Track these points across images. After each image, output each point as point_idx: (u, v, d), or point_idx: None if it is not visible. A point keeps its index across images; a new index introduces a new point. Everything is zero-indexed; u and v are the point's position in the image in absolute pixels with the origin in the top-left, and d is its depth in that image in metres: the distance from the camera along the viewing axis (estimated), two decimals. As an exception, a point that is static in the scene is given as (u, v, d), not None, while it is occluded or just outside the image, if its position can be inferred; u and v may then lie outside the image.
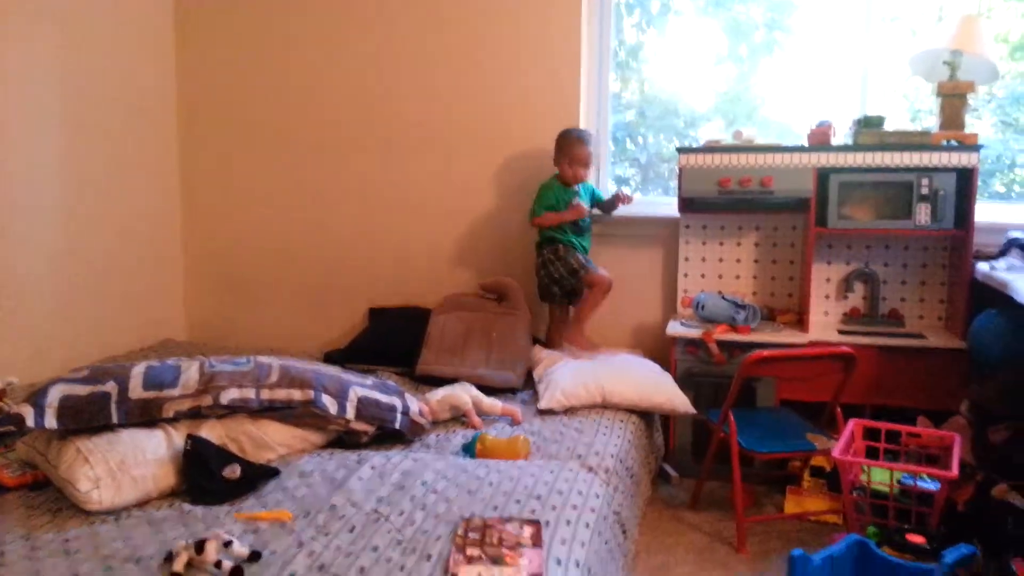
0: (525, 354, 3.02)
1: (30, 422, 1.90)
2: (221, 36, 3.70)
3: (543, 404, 2.64)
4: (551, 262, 3.09)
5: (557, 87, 3.33)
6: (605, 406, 2.68)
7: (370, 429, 2.31)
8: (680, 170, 3.03)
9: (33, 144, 2.99)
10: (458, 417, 2.57)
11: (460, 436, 2.43)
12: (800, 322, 3.05)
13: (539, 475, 2.04)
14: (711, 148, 3.02)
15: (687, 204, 3.13)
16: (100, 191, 3.30)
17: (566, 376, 2.75)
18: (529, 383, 2.93)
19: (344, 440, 2.32)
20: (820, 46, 3.32)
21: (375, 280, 3.63)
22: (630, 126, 3.60)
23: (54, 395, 1.96)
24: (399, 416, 2.35)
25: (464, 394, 2.57)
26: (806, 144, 2.96)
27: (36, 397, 1.96)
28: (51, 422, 1.92)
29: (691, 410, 2.75)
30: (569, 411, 2.65)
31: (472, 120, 3.43)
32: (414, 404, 2.45)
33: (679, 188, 3.05)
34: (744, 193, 2.98)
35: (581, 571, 1.66)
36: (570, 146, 3.08)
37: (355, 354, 3.22)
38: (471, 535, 1.72)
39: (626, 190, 3.28)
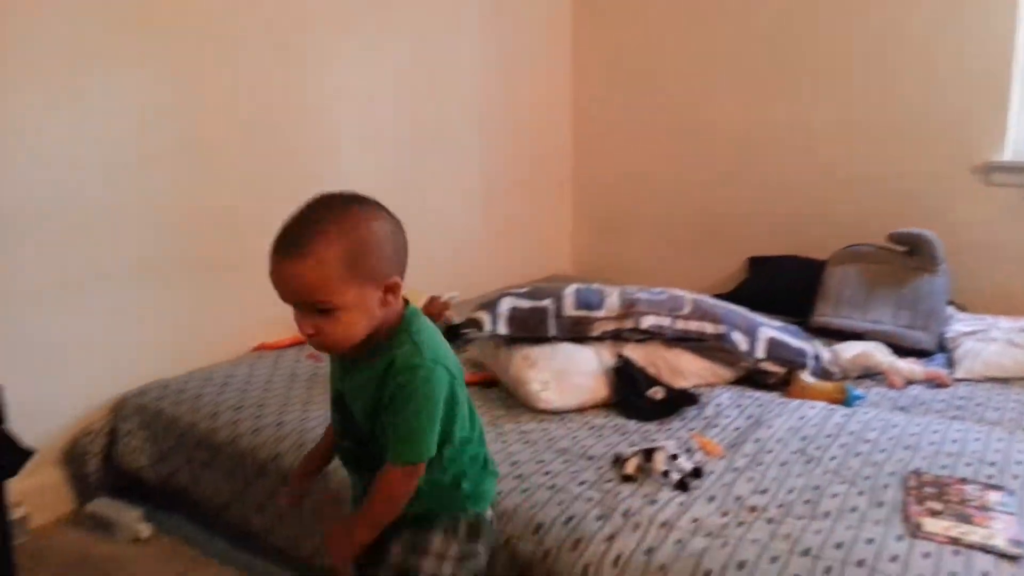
0: (940, 315, 2.70)
1: (487, 327, 2.17)
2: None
3: (960, 374, 2.38)
4: None
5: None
6: (1050, 380, 2.32)
7: (780, 371, 2.25)
8: None
9: (454, 96, 3.33)
10: (869, 375, 2.40)
11: (874, 393, 2.26)
12: None
13: (986, 441, 1.84)
14: None
15: None
16: (506, 140, 3.61)
17: (989, 343, 2.45)
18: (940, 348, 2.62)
19: (753, 379, 2.29)
20: None
21: (755, 228, 3.52)
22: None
23: (504, 306, 2.21)
24: (810, 361, 2.26)
25: (879, 354, 2.39)
26: None
27: (490, 307, 2.23)
28: (502, 328, 2.17)
29: None
30: (1003, 380, 2.34)
31: (877, 55, 3.13)
32: (825, 352, 2.34)
33: None
34: None
35: (1064, 550, 1.45)
36: None
37: (739, 302, 3.14)
38: (927, 489, 1.59)
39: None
